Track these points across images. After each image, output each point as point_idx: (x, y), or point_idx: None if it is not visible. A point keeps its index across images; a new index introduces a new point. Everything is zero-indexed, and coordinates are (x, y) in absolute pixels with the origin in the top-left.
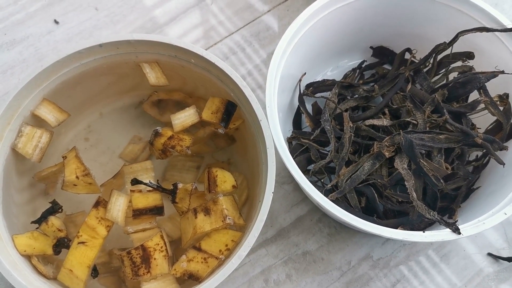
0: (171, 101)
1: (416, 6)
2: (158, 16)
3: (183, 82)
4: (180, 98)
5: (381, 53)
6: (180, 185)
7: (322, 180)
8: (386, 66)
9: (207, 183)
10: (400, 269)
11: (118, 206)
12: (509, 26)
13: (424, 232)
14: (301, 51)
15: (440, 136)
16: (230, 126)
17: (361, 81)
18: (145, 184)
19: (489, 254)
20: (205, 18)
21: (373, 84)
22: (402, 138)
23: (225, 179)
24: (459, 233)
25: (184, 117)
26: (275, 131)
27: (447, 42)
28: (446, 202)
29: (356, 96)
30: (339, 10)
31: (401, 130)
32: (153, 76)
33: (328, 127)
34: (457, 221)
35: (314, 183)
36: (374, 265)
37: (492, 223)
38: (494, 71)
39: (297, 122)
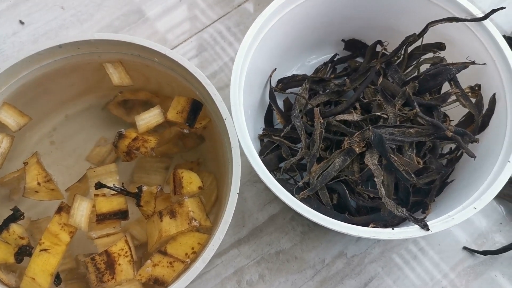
0: (138, 101)
1: None
2: (126, 14)
3: (148, 81)
4: (146, 98)
5: (353, 46)
6: (144, 188)
7: (294, 178)
8: (359, 59)
9: (173, 185)
10: (374, 266)
11: (81, 211)
12: (478, 16)
13: (393, 229)
14: (269, 46)
15: (411, 130)
16: (196, 125)
17: (332, 75)
18: (109, 187)
19: (465, 248)
20: (172, 16)
21: (346, 78)
22: (371, 133)
23: (191, 180)
24: (428, 230)
25: (149, 118)
26: (240, 130)
27: (417, 33)
28: (420, 197)
29: (328, 90)
30: (307, 4)
31: (370, 125)
32: (116, 76)
33: (298, 124)
34: (425, 217)
35: (286, 181)
36: (348, 263)
37: (461, 218)
38: (465, 62)
39: (269, 119)
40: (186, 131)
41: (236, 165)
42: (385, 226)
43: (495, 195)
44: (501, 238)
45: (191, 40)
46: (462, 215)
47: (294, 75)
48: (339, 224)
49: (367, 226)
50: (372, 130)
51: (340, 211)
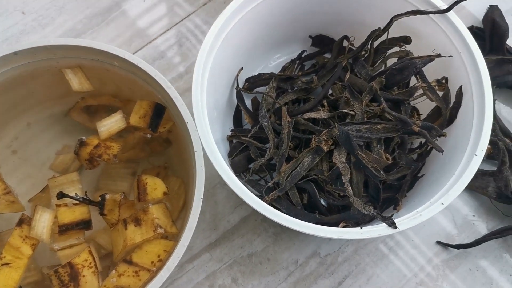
0: (101, 106)
1: None
2: (89, 17)
3: (109, 85)
4: (109, 102)
5: (321, 42)
6: (107, 196)
7: (265, 178)
8: (328, 55)
9: (137, 192)
10: (348, 265)
11: (43, 222)
12: (442, 8)
13: (362, 228)
14: (233, 45)
15: (378, 126)
16: (160, 129)
17: (300, 73)
18: (71, 197)
19: (438, 242)
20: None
21: (314, 74)
22: (337, 131)
23: (155, 186)
24: (395, 228)
25: (111, 124)
26: (203, 133)
27: (382, 27)
28: (391, 192)
29: (296, 88)
30: (269, 1)
31: (336, 123)
32: (76, 81)
33: (266, 124)
34: (393, 215)
35: (256, 182)
36: (321, 262)
37: (429, 214)
38: (431, 55)
39: (237, 119)
40: (149, 136)
41: (199, 169)
42: (357, 224)
43: (461, 190)
44: (475, 230)
45: (160, 41)
46: (429, 211)
47: (260, 74)
48: (306, 226)
49: (338, 225)
50: (338, 128)
51: (311, 210)
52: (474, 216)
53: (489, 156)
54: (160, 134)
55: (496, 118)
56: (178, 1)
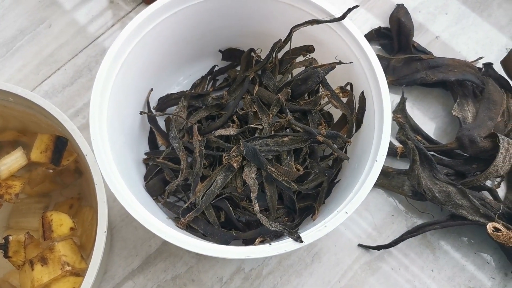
0: (5, 141)
1: (249, 4)
2: None
3: (12, 121)
4: (13, 138)
5: (232, 55)
6: (11, 238)
7: (184, 199)
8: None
9: (42, 230)
10: (273, 277)
11: None
12: (337, 16)
13: (270, 244)
14: (137, 67)
15: (285, 139)
16: (63, 162)
17: (211, 88)
18: None
19: (360, 245)
20: (37, 49)
21: (228, 88)
22: (242, 148)
23: (61, 223)
24: (301, 242)
25: (10, 162)
26: (103, 164)
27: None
28: (310, 201)
29: (207, 105)
30: (170, 20)
31: (241, 140)
32: None
33: (177, 145)
34: (297, 229)
35: (173, 204)
36: (246, 277)
37: (334, 224)
38: (332, 63)
39: (153, 142)
40: (50, 171)
41: (101, 202)
42: (276, 236)
43: (364, 197)
44: (394, 230)
45: (69, 66)
46: (334, 221)
47: (168, 94)
48: (211, 249)
49: (255, 240)
50: (243, 144)
51: (230, 228)
52: (393, 215)
53: (402, 155)
54: (66, 166)
55: (407, 117)
56: (84, 26)
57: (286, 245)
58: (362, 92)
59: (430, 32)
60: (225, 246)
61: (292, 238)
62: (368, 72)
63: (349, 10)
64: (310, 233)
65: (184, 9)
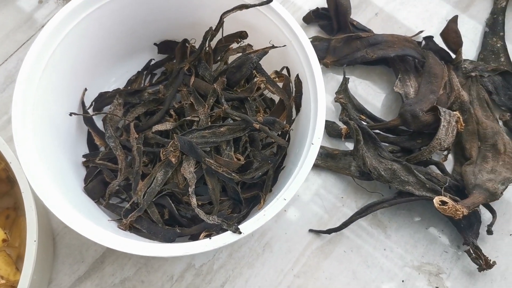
0: None
1: None
2: None
3: None
4: None
5: (168, 47)
6: None
7: (127, 200)
8: None
9: None
10: (225, 270)
11: None
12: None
13: (211, 238)
14: (65, 67)
15: (221, 129)
16: None
17: (148, 83)
18: None
19: (310, 230)
20: None
21: (165, 82)
22: (177, 142)
23: None
24: (240, 233)
25: None
26: (30, 172)
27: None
28: (257, 190)
29: (144, 101)
30: (93, 16)
31: (174, 134)
32: None
33: (113, 144)
34: (245, 220)
35: (116, 205)
36: (197, 273)
37: (273, 212)
38: (265, 48)
39: (92, 143)
40: None
41: (29, 210)
42: (223, 230)
43: (301, 182)
44: (345, 212)
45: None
46: (273, 209)
47: (101, 93)
48: (149, 249)
49: (200, 235)
50: (178, 138)
51: (175, 225)
52: (343, 197)
53: (347, 136)
54: None
55: (350, 97)
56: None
57: (225, 237)
58: (297, 75)
59: (369, 9)
60: (165, 244)
61: (230, 230)
62: (301, 55)
63: None
64: (250, 224)
65: (108, 4)
